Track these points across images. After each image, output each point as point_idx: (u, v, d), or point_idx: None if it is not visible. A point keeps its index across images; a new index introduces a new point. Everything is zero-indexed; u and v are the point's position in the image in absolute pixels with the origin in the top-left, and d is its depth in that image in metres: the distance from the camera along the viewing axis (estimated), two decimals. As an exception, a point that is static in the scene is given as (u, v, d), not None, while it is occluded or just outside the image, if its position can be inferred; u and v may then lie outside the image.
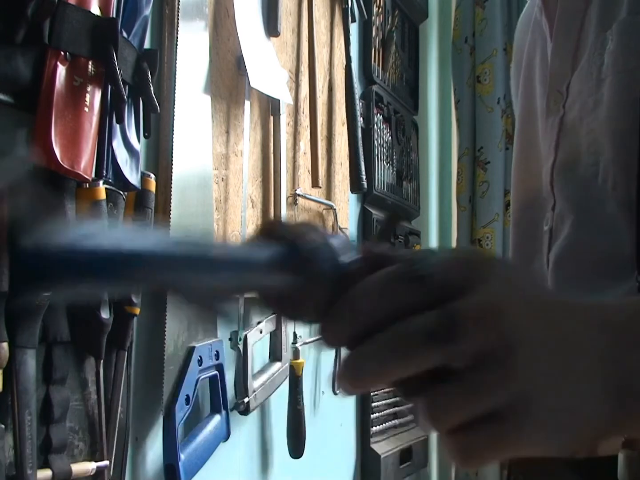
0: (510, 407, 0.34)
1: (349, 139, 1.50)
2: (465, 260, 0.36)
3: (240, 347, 1.07)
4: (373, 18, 1.76)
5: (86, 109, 0.72)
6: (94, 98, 0.73)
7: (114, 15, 0.77)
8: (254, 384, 1.10)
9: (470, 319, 0.34)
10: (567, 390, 0.35)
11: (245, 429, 1.17)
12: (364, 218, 1.71)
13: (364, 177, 1.48)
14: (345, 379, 0.35)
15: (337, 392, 1.46)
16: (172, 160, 0.92)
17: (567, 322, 0.36)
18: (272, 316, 1.19)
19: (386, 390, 1.75)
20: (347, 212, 1.58)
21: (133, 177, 0.81)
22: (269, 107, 1.22)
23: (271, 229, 0.38)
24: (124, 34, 0.79)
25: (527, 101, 0.70)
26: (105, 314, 0.77)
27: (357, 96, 1.52)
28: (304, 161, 1.36)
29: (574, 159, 0.59)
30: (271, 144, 1.23)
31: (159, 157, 0.94)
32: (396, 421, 1.81)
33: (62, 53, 0.69)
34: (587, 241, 0.59)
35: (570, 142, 0.60)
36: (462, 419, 0.34)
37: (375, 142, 1.72)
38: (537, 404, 0.34)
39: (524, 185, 0.70)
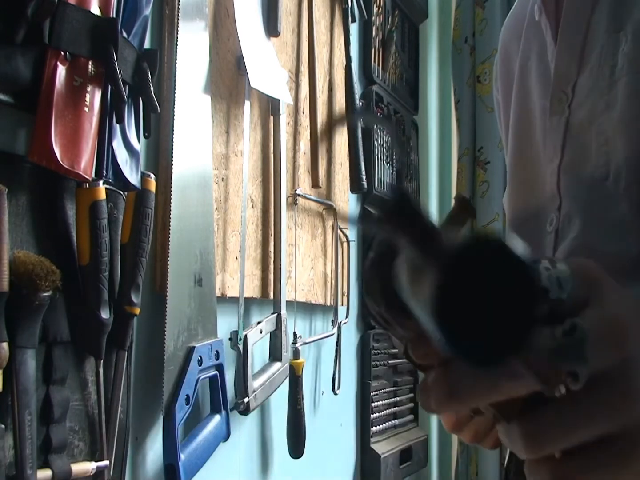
0: (623, 432, 0.31)
1: (349, 139, 1.50)
2: (585, 268, 0.33)
3: (240, 347, 1.07)
4: (373, 18, 1.76)
5: (86, 109, 0.72)
6: (94, 98, 0.73)
7: (114, 15, 0.77)
8: (254, 384, 1.10)
9: (598, 337, 0.31)
10: None
11: (245, 429, 1.17)
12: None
13: (364, 177, 1.48)
14: (441, 397, 0.32)
15: (337, 392, 1.46)
16: (172, 160, 0.92)
17: None
18: (272, 316, 1.19)
19: (386, 390, 1.75)
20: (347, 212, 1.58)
21: (133, 177, 0.81)
22: (269, 107, 1.22)
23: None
24: (124, 34, 0.79)
25: (522, 102, 0.69)
26: (105, 314, 0.77)
27: (357, 96, 1.52)
28: (304, 161, 1.36)
29: (582, 159, 0.59)
30: (271, 144, 1.23)
31: (159, 157, 0.94)
32: (396, 421, 1.81)
33: (62, 53, 0.69)
34: (597, 242, 0.58)
35: (578, 143, 0.60)
36: (568, 445, 0.31)
37: (375, 142, 1.72)
38: None
39: (523, 186, 0.70)
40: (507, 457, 0.72)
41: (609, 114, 0.56)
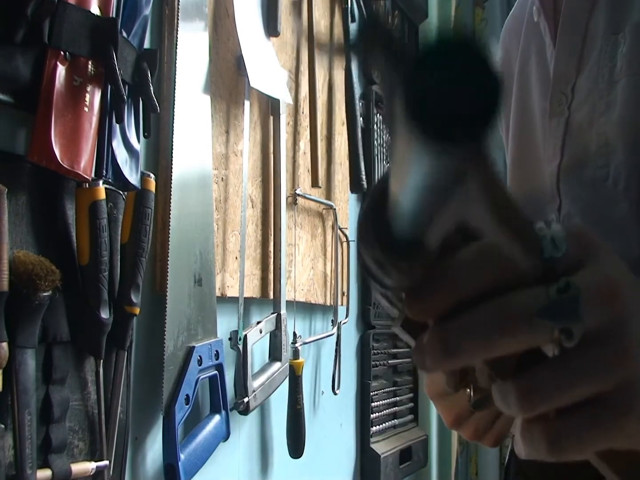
0: (618, 390, 0.32)
1: (348, 139, 1.50)
2: (578, 235, 0.34)
3: (240, 346, 1.07)
4: (373, 18, 1.76)
5: (86, 109, 0.72)
6: (94, 98, 0.73)
7: (114, 15, 0.77)
8: (254, 383, 1.10)
9: (591, 296, 0.31)
10: None
11: (245, 429, 1.17)
12: (364, 218, 1.71)
13: (363, 177, 1.48)
14: (437, 353, 0.32)
15: (337, 392, 1.46)
16: (172, 160, 0.92)
17: None
18: (272, 316, 1.19)
19: (386, 390, 1.75)
20: (347, 212, 1.58)
21: (133, 177, 0.81)
22: (269, 107, 1.23)
23: None
24: (124, 34, 0.79)
25: (522, 102, 0.69)
26: (105, 314, 0.77)
27: (357, 96, 1.52)
28: (304, 161, 1.36)
29: (582, 160, 0.59)
30: (271, 144, 1.23)
31: (159, 157, 0.94)
32: (396, 421, 1.81)
33: (62, 53, 0.69)
34: None
35: (578, 144, 0.60)
36: (562, 403, 0.32)
37: (375, 142, 1.72)
38: None
39: (523, 187, 0.70)
40: (507, 457, 0.72)
41: (608, 115, 0.57)
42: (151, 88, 0.82)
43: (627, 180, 0.55)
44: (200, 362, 0.95)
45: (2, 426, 0.66)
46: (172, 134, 0.93)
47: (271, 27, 1.21)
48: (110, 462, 0.80)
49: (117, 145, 0.78)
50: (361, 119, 1.57)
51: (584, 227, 0.35)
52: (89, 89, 0.72)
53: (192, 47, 0.98)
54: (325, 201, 1.45)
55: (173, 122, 0.93)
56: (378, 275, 0.34)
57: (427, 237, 0.30)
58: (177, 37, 0.95)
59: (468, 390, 0.41)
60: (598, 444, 0.33)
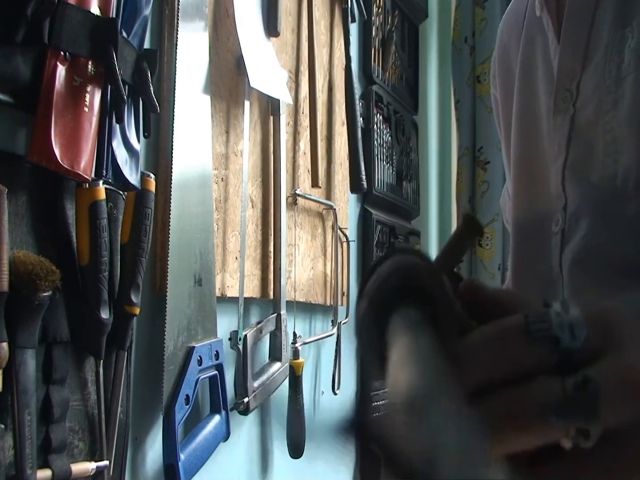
0: None
1: (348, 139, 1.50)
2: (599, 318, 0.31)
3: (240, 347, 1.07)
4: (373, 18, 1.77)
5: (86, 109, 0.72)
6: (94, 98, 0.73)
7: (114, 15, 0.77)
8: (254, 383, 1.10)
9: (612, 391, 0.29)
10: None
11: (245, 429, 1.17)
12: (364, 218, 1.71)
13: (363, 177, 1.48)
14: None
15: (337, 392, 1.46)
16: (172, 160, 0.92)
17: None
18: (272, 316, 1.19)
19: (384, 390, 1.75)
20: (347, 212, 1.58)
21: (133, 177, 0.81)
22: (269, 107, 1.22)
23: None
24: (124, 34, 0.79)
25: (526, 99, 0.68)
26: (105, 314, 0.77)
27: (357, 96, 1.52)
28: (304, 161, 1.36)
29: (588, 158, 0.58)
30: (271, 144, 1.23)
31: (159, 157, 0.94)
32: (396, 421, 1.81)
33: (62, 53, 0.69)
34: (607, 241, 0.57)
35: (584, 141, 0.58)
36: None
37: (375, 142, 1.72)
38: None
39: (528, 186, 0.68)
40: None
41: (616, 112, 0.55)
42: (151, 88, 0.82)
43: (636, 179, 0.53)
44: (200, 362, 0.95)
45: (2, 426, 0.66)
46: (172, 134, 0.93)
47: (271, 27, 1.21)
48: (110, 462, 0.79)
49: (117, 145, 0.78)
50: (361, 119, 1.57)
51: (607, 307, 0.32)
52: (89, 89, 0.72)
53: (192, 47, 0.98)
54: (325, 201, 1.45)
55: (173, 122, 0.93)
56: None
57: None
58: (177, 37, 0.95)
59: None
60: None
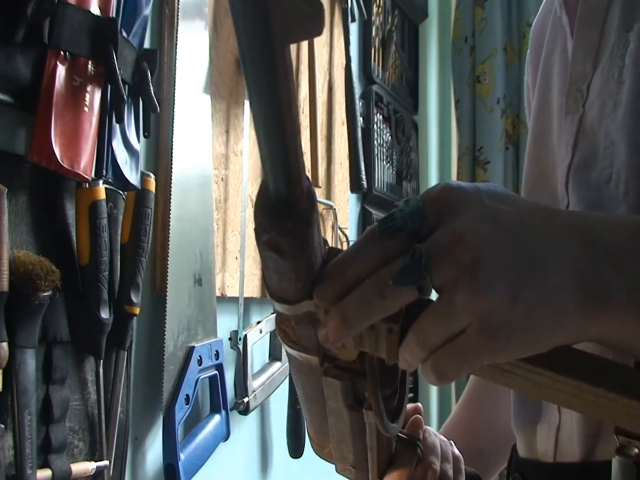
0: (474, 325, 0.37)
1: (348, 139, 1.50)
2: (434, 198, 0.39)
3: (240, 346, 1.07)
4: (373, 18, 1.76)
5: (86, 109, 0.72)
6: (94, 98, 0.73)
7: (114, 15, 0.77)
8: (254, 383, 1.10)
9: (433, 253, 0.36)
10: (533, 302, 0.37)
11: (245, 428, 1.17)
12: (364, 218, 1.71)
13: (363, 177, 1.48)
14: (337, 324, 0.38)
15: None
16: (172, 160, 0.92)
17: (539, 239, 0.38)
18: (272, 316, 1.19)
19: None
20: (347, 212, 1.58)
21: (133, 177, 0.81)
22: (269, 107, 1.22)
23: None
24: (124, 34, 0.79)
25: (542, 96, 0.67)
26: (105, 314, 0.77)
27: (356, 96, 1.52)
28: (304, 161, 1.36)
29: (590, 160, 0.58)
30: (271, 144, 1.22)
31: (159, 157, 0.94)
32: (396, 421, 1.81)
33: (62, 53, 0.69)
34: None
35: (589, 144, 0.58)
36: (438, 340, 0.38)
37: (375, 141, 1.72)
38: (501, 318, 0.36)
39: (537, 183, 0.68)
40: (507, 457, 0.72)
41: (615, 115, 0.55)
42: (151, 88, 0.82)
43: (626, 183, 0.54)
44: (200, 362, 0.95)
45: (2, 426, 0.66)
46: (172, 134, 0.93)
47: (271, 27, 1.21)
48: (110, 462, 0.80)
49: (117, 145, 0.78)
50: (361, 119, 1.57)
51: (443, 190, 0.40)
52: (89, 89, 0.72)
53: (192, 47, 0.98)
54: (325, 201, 1.45)
55: (173, 122, 0.93)
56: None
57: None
58: (177, 37, 0.95)
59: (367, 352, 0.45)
60: (465, 368, 0.38)
